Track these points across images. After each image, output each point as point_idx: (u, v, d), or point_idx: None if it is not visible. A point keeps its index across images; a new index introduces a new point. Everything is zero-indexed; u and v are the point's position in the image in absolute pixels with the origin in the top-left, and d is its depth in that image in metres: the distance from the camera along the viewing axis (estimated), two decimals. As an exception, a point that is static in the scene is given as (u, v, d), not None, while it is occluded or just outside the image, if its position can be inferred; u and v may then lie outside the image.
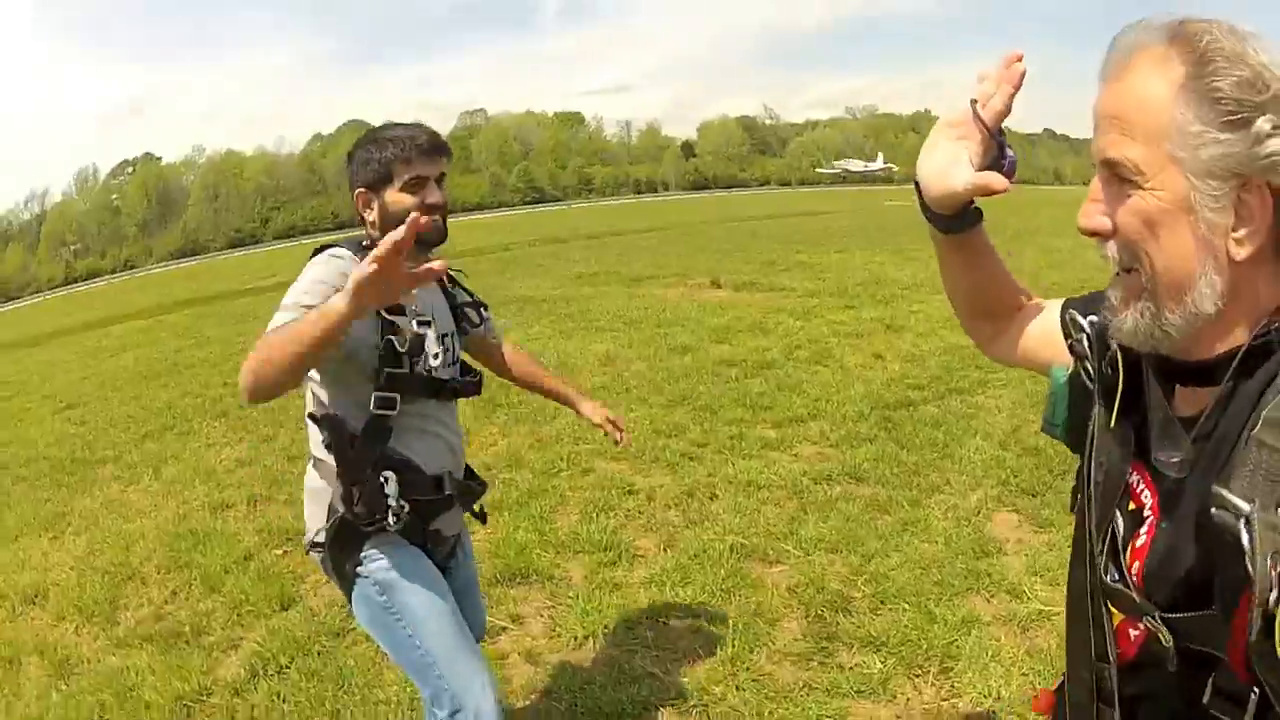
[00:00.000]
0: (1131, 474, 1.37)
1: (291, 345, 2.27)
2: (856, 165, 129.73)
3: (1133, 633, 1.38)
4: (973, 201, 1.55)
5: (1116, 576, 1.36)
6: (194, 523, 6.78)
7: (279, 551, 5.94)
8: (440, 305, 3.02)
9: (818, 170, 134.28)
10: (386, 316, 2.68)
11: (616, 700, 3.99)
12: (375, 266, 2.04)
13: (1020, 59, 1.42)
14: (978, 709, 3.78)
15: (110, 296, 54.27)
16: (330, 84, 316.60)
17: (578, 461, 7.01)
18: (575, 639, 4.60)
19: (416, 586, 2.83)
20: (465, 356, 3.15)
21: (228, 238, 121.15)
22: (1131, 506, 1.36)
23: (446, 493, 2.90)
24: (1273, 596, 1.04)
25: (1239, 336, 1.24)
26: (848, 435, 7.30)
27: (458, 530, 3.11)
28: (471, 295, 3.20)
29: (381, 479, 2.73)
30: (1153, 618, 1.28)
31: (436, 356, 2.84)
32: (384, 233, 2.34)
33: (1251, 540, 1.07)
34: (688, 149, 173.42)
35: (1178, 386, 1.35)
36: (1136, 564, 1.33)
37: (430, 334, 2.82)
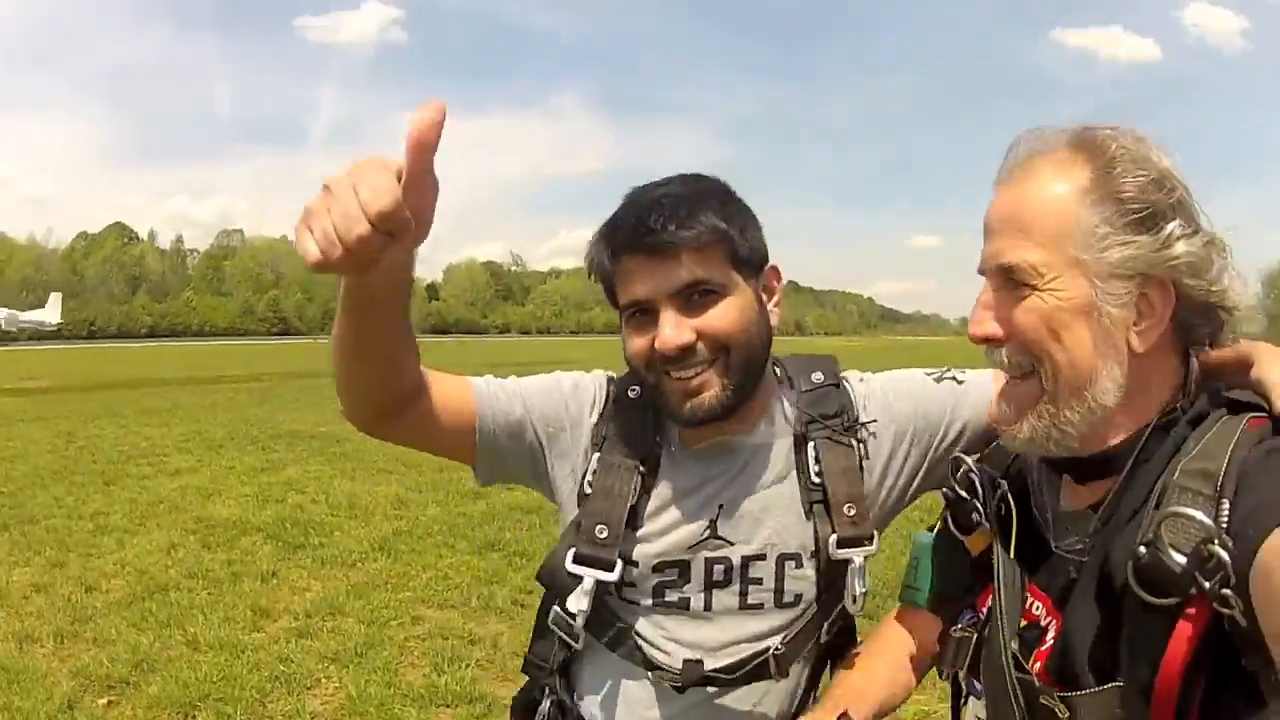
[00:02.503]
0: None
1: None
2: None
3: None
4: None
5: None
6: (-1, 655, 5.82)
7: (103, 701, 5.06)
8: (767, 483, 1.74)
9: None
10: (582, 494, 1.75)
11: None
12: (318, 195, 1.13)
13: None
14: None
15: None
16: (106, 173, 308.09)
17: (403, 610, 6.45)
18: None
19: None
20: None
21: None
22: (1024, 624, 1.31)
23: None
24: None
25: (1134, 425, 1.25)
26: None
27: None
28: (851, 510, 1.70)
29: (540, 696, 1.89)
30: (1049, 696, 1.19)
31: (575, 617, 1.68)
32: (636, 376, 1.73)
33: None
34: (432, 291, 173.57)
35: (1066, 484, 1.35)
36: (1038, 665, 1.27)
37: (585, 583, 1.67)
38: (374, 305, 1.39)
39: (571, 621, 1.69)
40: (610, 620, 1.74)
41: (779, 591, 1.72)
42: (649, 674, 1.73)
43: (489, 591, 6.83)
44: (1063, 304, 1.20)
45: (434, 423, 1.66)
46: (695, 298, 1.58)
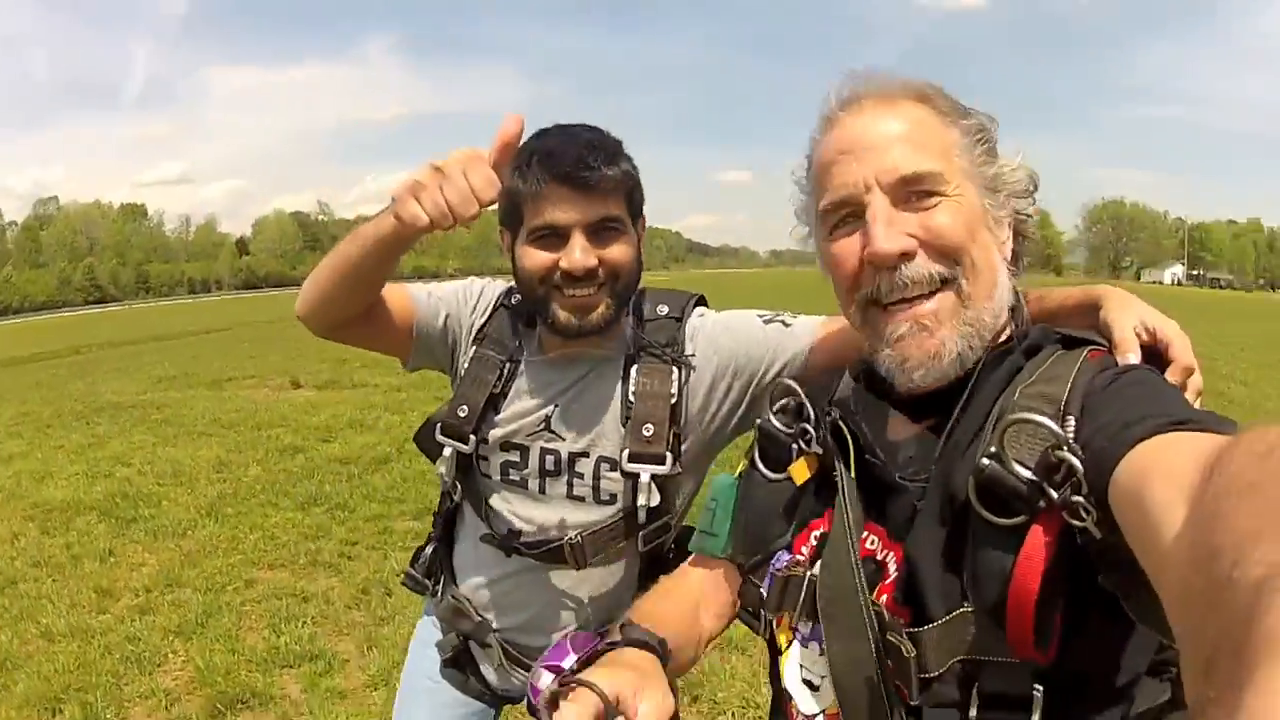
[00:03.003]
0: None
1: (326, 261, 1.91)
2: None
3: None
4: None
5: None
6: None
7: None
8: (598, 396, 2.04)
9: None
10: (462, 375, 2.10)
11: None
12: (426, 172, 1.57)
13: None
14: None
15: None
16: None
17: (236, 574, 6.68)
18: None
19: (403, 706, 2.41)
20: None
21: None
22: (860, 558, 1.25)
23: (471, 629, 2.21)
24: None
25: (1000, 336, 1.29)
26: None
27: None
28: (674, 416, 1.97)
29: (431, 539, 2.31)
30: (896, 633, 1.17)
31: (443, 476, 2.11)
32: (522, 293, 2.01)
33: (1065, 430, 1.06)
34: (241, 246, 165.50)
35: (892, 417, 1.35)
36: (884, 598, 1.23)
37: (446, 451, 2.07)
38: (401, 246, 1.77)
39: (455, 484, 2.12)
40: (476, 488, 2.11)
41: (596, 489, 2.02)
42: (488, 537, 2.11)
43: (315, 547, 7.14)
44: (970, 207, 1.24)
45: (383, 327, 2.05)
46: (602, 231, 1.86)
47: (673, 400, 1.94)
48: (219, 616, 5.94)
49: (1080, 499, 0.99)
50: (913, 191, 1.23)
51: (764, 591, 1.39)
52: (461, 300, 2.14)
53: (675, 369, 1.96)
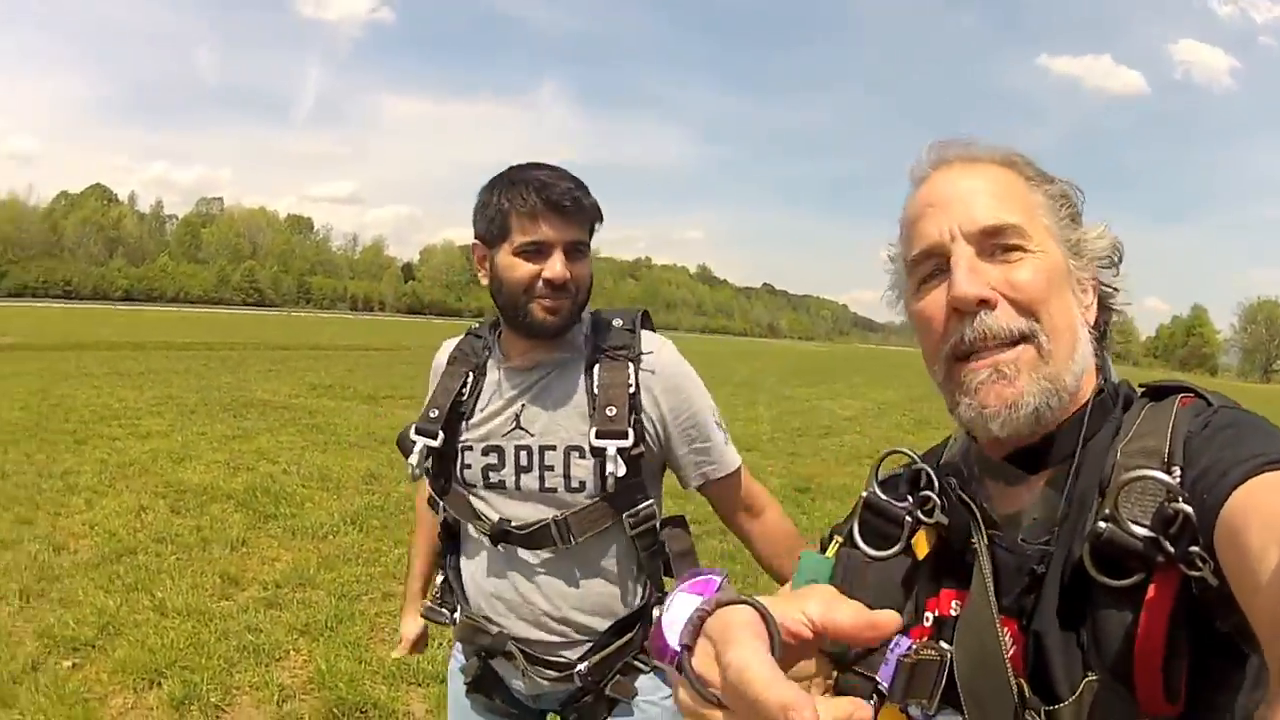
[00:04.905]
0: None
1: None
2: None
3: None
4: None
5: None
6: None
7: (68, 663, 4.79)
8: (561, 391, 2.22)
9: None
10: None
11: None
12: None
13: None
14: None
15: None
16: (92, 132, 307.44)
17: (374, 585, 6.25)
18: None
19: None
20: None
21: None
22: None
23: (490, 643, 2.27)
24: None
25: (1077, 404, 1.23)
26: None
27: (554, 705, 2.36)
28: (633, 404, 2.17)
29: (444, 572, 2.46)
30: (1035, 711, 1.10)
31: (415, 470, 2.27)
32: (497, 300, 2.20)
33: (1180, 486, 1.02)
34: (408, 271, 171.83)
35: (1005, 478, 1.28)
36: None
37: (418, 446, 2.23)
38: None
39: (415, 470, 2.25)
40: (467, 506, 2.27)
41: (567, 477, 2.18)
42: (484, 536, 2.24)
43: (465, 574, 6.62)
44: (1054, 263, 1.22)
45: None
46: (573, 251, 2.13)
47: (630, 389, 2.15)
48: (350, 623, 5.57)
49: (1197, 548, 0.97)
50: (996, 244, 1.21)
51: (881, 680, 1.17)
52: (432, 379, 2.37)
53: (630, 365, 2.19)
